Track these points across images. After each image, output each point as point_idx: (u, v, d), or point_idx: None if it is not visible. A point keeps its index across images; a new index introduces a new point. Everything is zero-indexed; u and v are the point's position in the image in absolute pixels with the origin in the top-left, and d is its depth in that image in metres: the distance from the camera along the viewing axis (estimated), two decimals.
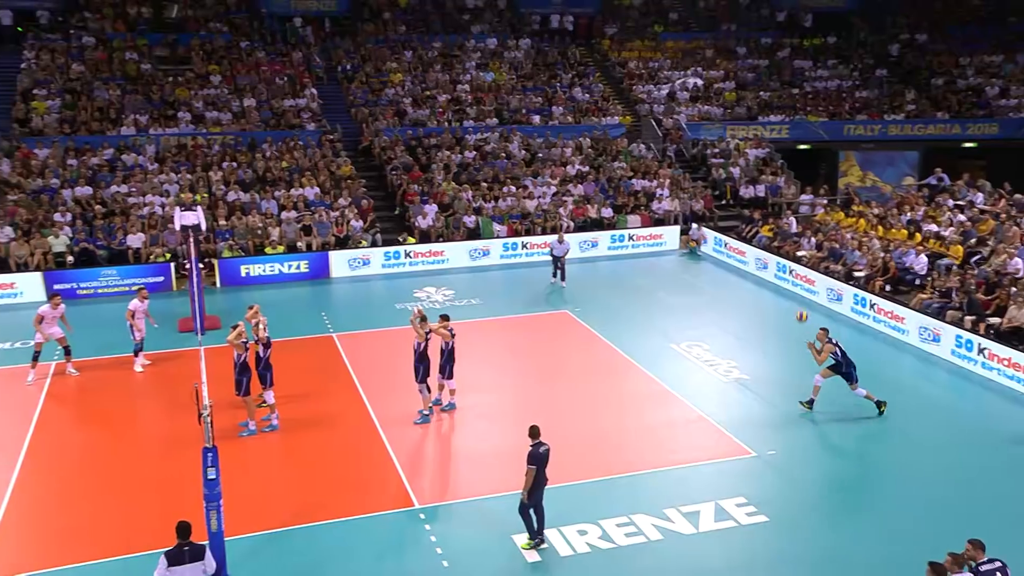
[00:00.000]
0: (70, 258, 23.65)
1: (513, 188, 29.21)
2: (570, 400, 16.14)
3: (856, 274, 22.35)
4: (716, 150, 33.31)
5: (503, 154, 31.10)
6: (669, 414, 15.67)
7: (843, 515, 12.44)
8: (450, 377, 15.36)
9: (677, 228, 28.98)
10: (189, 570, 8.85)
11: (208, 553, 9.03)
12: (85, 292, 23.02)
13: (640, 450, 14.25)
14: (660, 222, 29.18)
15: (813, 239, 24.95)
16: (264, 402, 15.02)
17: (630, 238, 28.23)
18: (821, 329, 15.51)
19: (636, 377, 17.37)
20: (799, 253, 24.52)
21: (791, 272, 23.82)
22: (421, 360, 14.80)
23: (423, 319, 14.83)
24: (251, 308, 15.38)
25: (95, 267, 23.47)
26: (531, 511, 11.24)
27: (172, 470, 13.31)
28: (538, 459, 11.02)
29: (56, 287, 22.30)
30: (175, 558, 8.84)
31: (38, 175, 26.27)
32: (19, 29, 33.04)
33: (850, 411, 15.48)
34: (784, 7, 42.30)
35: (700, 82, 37.40)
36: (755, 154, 33.04)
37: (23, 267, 23.07)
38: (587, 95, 35.97)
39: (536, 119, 33.85)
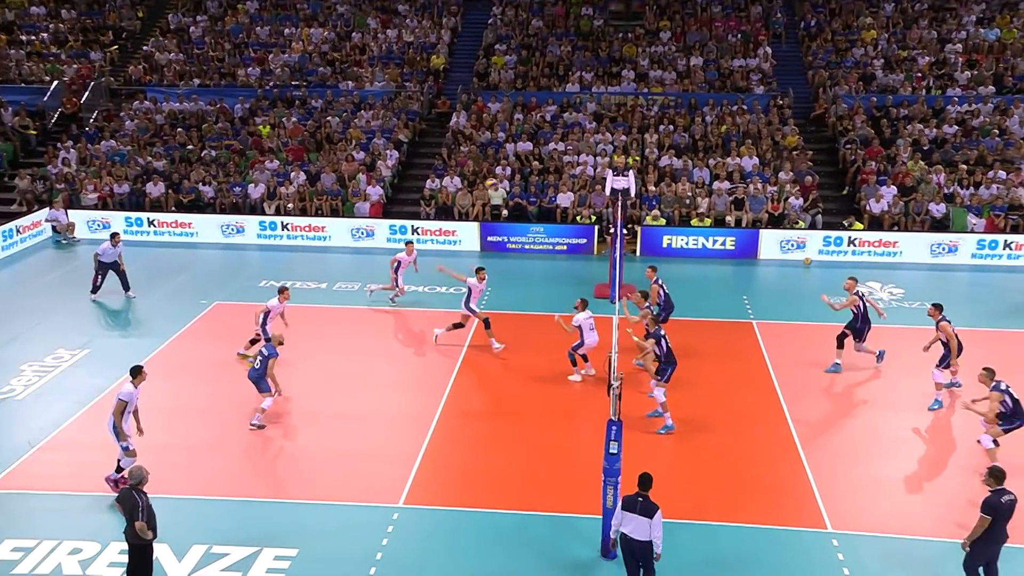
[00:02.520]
0: (504, 211, 26.46)
1: (1003, 174, 26.16)
2: None
3: None
4: None
5: (996, 131, 27.94)
6: None
7: None
8: (946, 367, 15.65)
9: None
10: (636, 520, 9.87)
11: (657, 517, 9.81)
12: (514, 247, 25.63)
13: None
14: None
15: None
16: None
17: None
18: (986, 369, 13.44)
19: None
20: None
21: None
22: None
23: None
24: (651, 269, 15.60)
25: (525, 223, 25.98)
26: (980, 570, 10.16)
27: (577, 436, 14.28)
28: (996, 509, 9.86)
29: (489, 239, 25.33)
30: (629, 504, 9.98)
31: (487, 128, 29.73)
32: None
33: None
34: None
35: None
36: None
37: (463, 216, 26.38)
38: None
39: None
